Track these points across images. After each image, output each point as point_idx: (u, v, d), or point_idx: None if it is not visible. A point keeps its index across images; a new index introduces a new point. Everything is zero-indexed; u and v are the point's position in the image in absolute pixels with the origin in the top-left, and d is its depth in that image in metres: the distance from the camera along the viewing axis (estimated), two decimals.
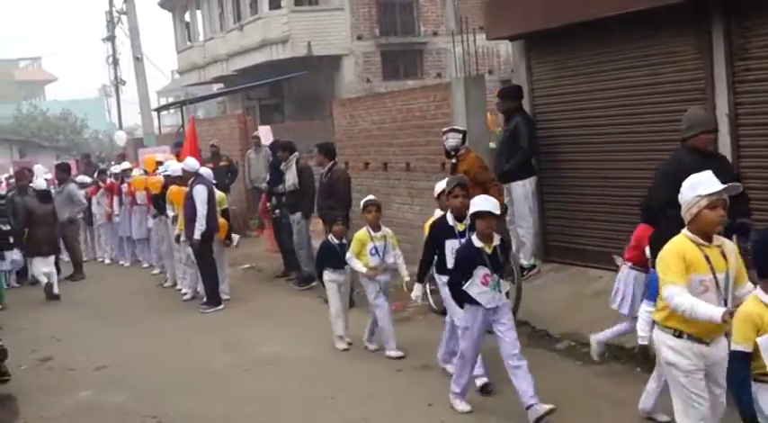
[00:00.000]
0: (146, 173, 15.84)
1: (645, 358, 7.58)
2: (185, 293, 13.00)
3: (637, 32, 9.25)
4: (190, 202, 12.01)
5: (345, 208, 11.70)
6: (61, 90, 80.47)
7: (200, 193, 12.04)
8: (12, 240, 14.80)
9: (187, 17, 38.65)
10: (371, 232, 9.04)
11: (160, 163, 14.64)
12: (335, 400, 7.69)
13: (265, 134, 18.10)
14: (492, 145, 11.61)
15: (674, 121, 9.03)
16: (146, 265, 16.60)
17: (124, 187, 16.84)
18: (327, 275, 9.43)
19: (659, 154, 9.21)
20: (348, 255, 9.05)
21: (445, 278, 7.45)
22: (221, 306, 12.11)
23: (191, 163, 12.74)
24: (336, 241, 9.46)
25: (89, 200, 17.39)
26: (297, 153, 13.13)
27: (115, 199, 17.14)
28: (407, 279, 8.87)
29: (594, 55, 9.91)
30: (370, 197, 9.25)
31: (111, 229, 17.64)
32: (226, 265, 12.92)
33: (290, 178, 12.93)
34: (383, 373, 8.37)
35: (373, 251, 8.99)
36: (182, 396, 8.21)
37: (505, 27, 11.13)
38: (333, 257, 9.41)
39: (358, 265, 8.98)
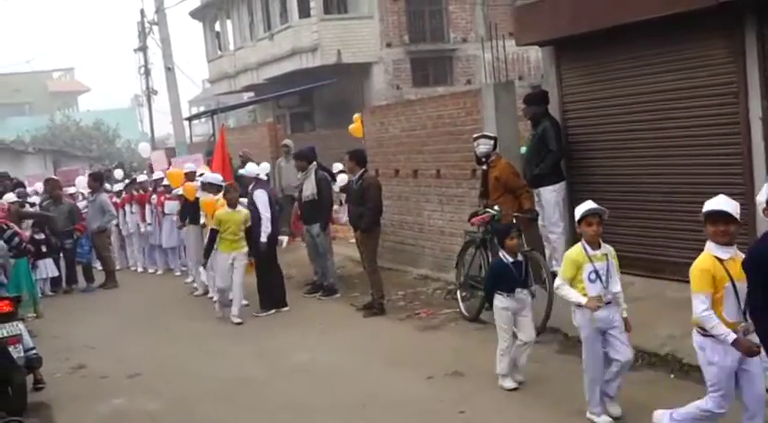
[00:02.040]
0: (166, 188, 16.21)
1: (679, 365, 7.53)
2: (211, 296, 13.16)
3: (668, 37, 9.19)
4: (252, 207, 12.14)
5: (376, 215, 11.71)
6: (94, 100, 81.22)
7: (260, 196, 12.24)
8: (45, 249, 15.04)
9: (217, 27, 38.91)
10: (590, 250, 6.84)
11: (189, 175, 14.61)
12: (367, 408, 7.68)
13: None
14: (522, 149, 11.56)
15: (705, 126, 8.98)
16: (178, 274, 16.70)
17: (154, 198, 16.99)
18: (500, 301, 7.85)
19: (691, 158, 9.18)
20: (558, 281, 6.97)
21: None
22: (273, 311, 12.20)
23: (250, 167, 13.04)
24: (510, 259, 7.87)
25: (120, 208, 17.50)
26: (315, 163, 13.11)
27: (147, 208, 17.25)
28: (625, 308, 7.06)
29: (625, 59, 9.85)
30: (591, 205, 6.82)
31: (143, 237, 17.77)
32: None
33: (309, 188, 12.88)
34: (414, 380, 8.34)
35: (593, 276, 6.80)
36: (214, 404, 8.23)
37: (535, 33, 11.09)
38: (507, 279, 7.83)
39: (573, 295, 6.82)
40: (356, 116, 17.16)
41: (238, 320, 11.64)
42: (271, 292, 12.35)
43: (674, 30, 9.03)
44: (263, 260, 12.29)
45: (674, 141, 9.36)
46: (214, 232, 11.91)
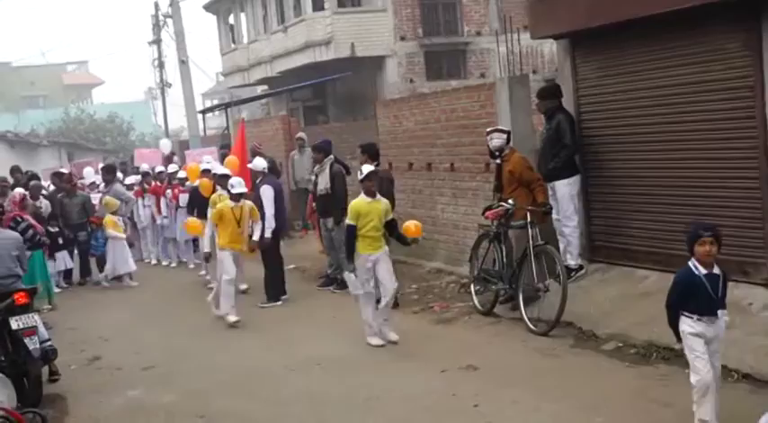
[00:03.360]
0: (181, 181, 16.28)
1: None
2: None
3: (684, 30, 9.13)
4: (257, 201, 12.19)
5: None
6: (108, 93, 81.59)
7: (266, 192, 12.31)
8: (61, 241, 15.12)
9: (231, 20, 38.93)
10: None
11: (206, 172, 14.60)
12: (380, 401, 7.69)
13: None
14: None
15: (721, 120, 8.94)
16: (191, 266, 16.75)
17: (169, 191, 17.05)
18: (688, 326, 6.08)
19: (706, 152, 9.13)
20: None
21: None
22: (279, 302, 12.40)
23: (257, 162, 13.12)
24: (703, 271, 6.06)
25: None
26: (332, 156, 13.13)
27: (162, 200, 17.30)
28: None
29: (640, 53, 9.80)
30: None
31: (157, 230, 17.84)
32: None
33: (323, 182, 12.92)
34: (428, 373, 8.34)
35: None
36: (228, 396, 8.26)
37: (550, 26, 11.05)
38: (699, 297, 6.06)
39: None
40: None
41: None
42: (276, 283, 12.53)
43: (691, 23, 8.98)
44: (268, 253, 12.43)
45: (689, 135, 9.31)
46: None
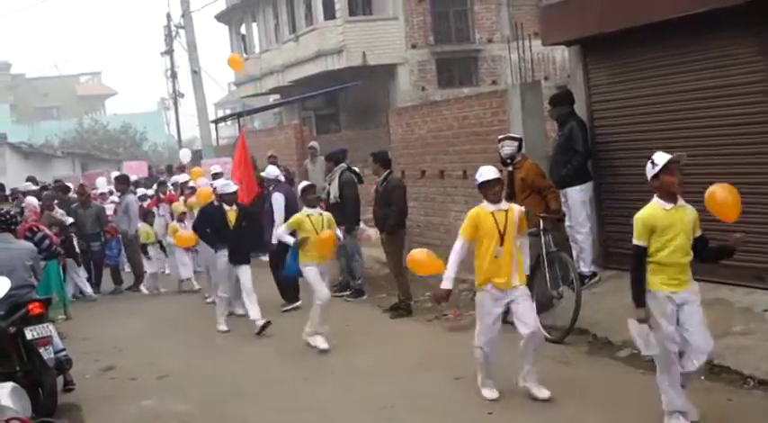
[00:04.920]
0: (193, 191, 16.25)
1: (710, 367, 7.46)
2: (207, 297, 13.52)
3: (696, 35, 9.11)
4: (269, 208, 12.23)
5: (401, 217, 11.74)
6: (121, 104, 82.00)
7: (277, 200, 12.33)
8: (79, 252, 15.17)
9: (243, 29, 39.10)
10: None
11: (217, 176, 14.67)
12: (395, 409, 7.67)
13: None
14: None
15: (734, 125, 8.90)
16: (205, 276, 16.73)
17: (181, 200, 17.03)
18: None
19: (720, 158, 9.09)
20: None
21: None
22: (299, 302, 12.50)
23: (270, 170, 13.25)
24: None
25: (149, 212, 17.43)
26: (343, 165, 13.22)
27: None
28: None
29: (653, 58, 9.78)
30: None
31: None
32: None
33: (333, 190, 13.07)
34: (442, 381, 8.33)
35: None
36: (242, 405, 8.26)
37: (561, 32, 11.05)
38: None
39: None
40: None
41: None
42: (289, 288, 12.59)
43: (703, 28, 8.95)
44: (279, 260, 12.37)
45: (702, 141, 9.27)
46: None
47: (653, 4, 9.24)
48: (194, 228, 12.51)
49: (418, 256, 8.21)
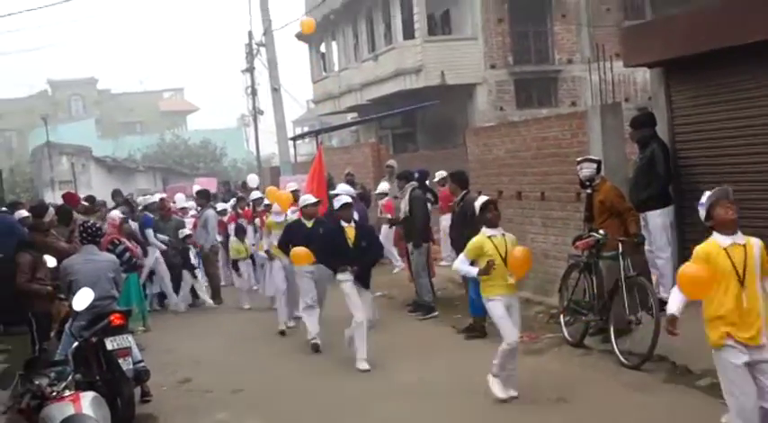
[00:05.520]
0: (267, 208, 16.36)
1: None
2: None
3: None
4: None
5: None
6: (202, 119, 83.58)
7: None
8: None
9: (323, 48, 39.51)
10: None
11: (295, 193, 14.73)
12: None
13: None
14: None
15: None
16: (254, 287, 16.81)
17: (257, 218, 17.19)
18: None
19: None
20: None
21: None
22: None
23: (341, 188, 13.50)
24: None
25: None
26: (414, 183, 13.51)
27: (249, 227, 17.48)
28: None
29: (738, 81, 9.59)
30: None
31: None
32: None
33: (403, 206, 13.41)
34: (518, 405, 8.23)
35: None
36: (316, 421, 8.29)
37: (644, 54, 10.91)
38: None
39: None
40: None
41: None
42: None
43: None
44: None
45: None
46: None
47: (741, 27, 9.06)
48: (315, 250, 11.00)
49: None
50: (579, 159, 10.33)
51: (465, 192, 12.04)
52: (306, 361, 10.98)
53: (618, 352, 9.39)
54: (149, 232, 15.43)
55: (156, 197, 17.41)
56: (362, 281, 10.37)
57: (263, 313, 15.00)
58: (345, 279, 10.34)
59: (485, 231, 8.57)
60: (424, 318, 12.90)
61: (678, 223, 10.61)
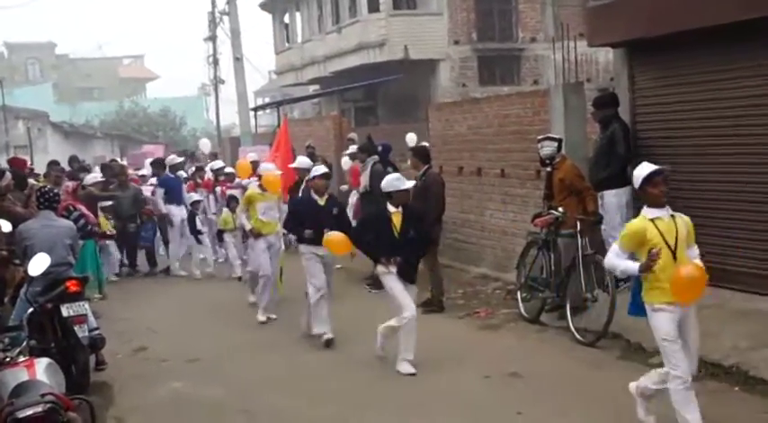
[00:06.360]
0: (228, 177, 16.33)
1: (745, 378, 7.39)
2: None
3: (748, 41, 8.97)
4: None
5: (439, 212, 11.70)
6: (162, 88, 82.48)
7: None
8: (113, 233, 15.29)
9: (287, 19, 39.20)
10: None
11: (255, 164, 14.60)
12: (423, 406, 7.66)
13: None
14: None
15: None
16: (239, 262, 16.75)
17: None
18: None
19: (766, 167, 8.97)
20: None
21: None
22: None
23: (301, 160, 13.41)
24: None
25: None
26: (375, 157, 13.38)
27: (210, 197, 17.38)
28: None
29: (702, 63, 9.65)
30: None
31: (207, 225, 17.90)
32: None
33: (363, 180, 13.34)
34: (472, 380, 8.30)
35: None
36: (271, 392, 8.29)
37: (608, 34, 10.94)
38: None
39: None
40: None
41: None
42: None
43: (755, 33, 8.82)
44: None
45: (750, 149, 9.14)
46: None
47: (706, 9, 9.11)
48: (355, 237, 9.53)
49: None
50: (540, 137, 10.38)
51: (427, 167, 12.04)
52: (261, 331, 10.97)
53: (573, 329, 9.50)
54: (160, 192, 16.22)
55: (178, 159, 17.90)
56: (408, 276, 8.93)
57: (216, 282, 14.97)
58: (388, 272, 8.91)
59: (646, 212, 6.48)
60: (375, 290, 12.88)
61: (635, 204, 10.70)
